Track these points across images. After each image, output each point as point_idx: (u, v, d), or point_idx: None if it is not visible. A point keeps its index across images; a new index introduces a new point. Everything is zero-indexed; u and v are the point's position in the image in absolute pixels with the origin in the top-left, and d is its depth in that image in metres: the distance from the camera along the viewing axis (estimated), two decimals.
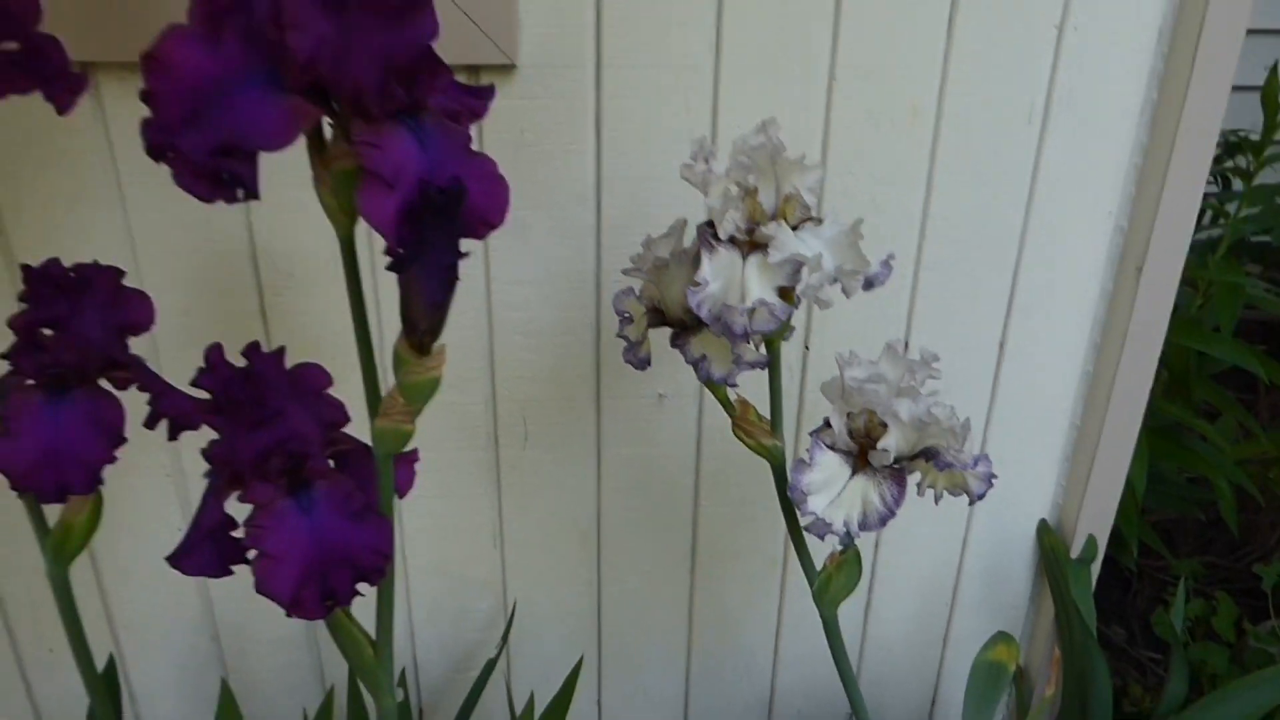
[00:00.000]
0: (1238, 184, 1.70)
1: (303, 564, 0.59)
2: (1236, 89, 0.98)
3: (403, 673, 1.18)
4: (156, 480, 1.06)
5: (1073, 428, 1.15)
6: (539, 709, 1.07)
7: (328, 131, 0.55)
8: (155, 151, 0.50)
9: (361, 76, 0.49)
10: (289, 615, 0.59)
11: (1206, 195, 1.93)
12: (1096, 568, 1.19)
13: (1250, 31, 0.95)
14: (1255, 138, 1.59)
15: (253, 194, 0.50)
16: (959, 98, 0.97)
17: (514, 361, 1.04)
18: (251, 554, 0.60)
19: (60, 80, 0.63)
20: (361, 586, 0.61)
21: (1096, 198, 1.04)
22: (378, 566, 0.61)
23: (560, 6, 0.89)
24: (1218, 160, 1.82)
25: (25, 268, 0.69)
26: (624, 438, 1.09)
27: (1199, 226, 1.95)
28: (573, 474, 1.11)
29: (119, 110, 0.90)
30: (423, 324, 0.53)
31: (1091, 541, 1.14)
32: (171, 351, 0.98)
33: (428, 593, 1.17)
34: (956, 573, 1.23)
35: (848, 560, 0.88)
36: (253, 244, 0.97)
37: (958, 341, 1.09)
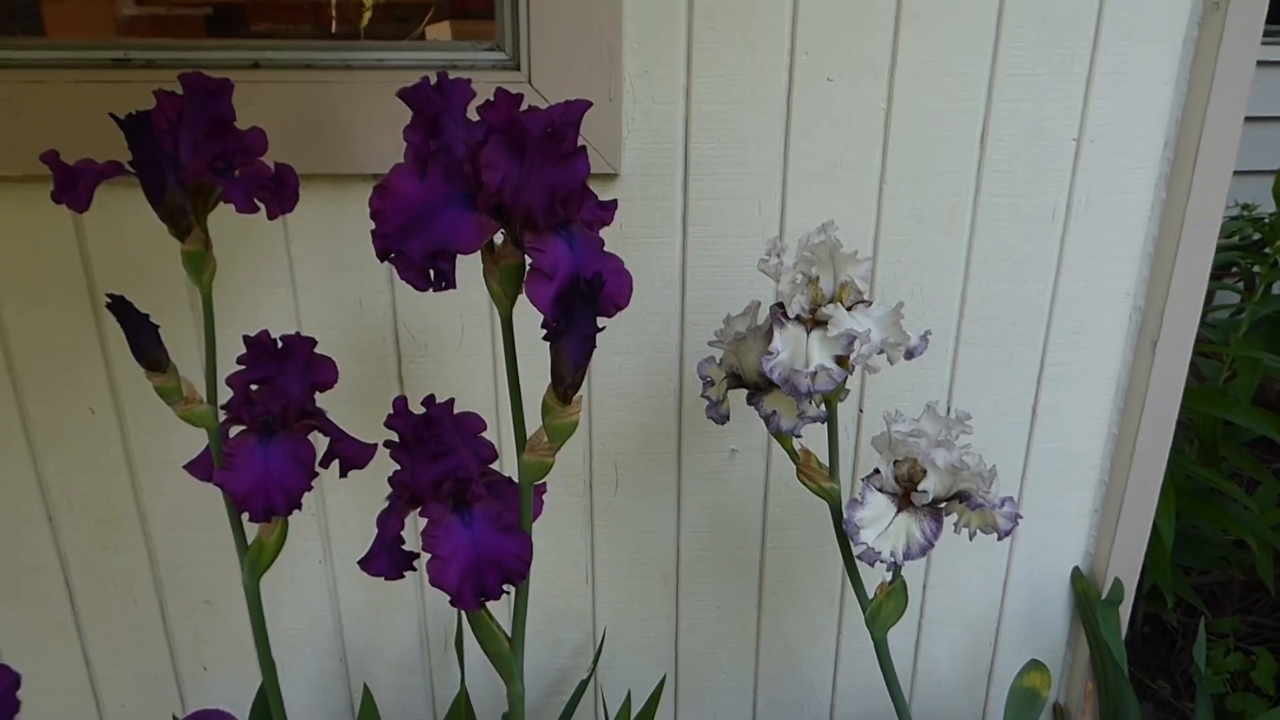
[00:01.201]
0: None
1: (464, 565, 0.77)
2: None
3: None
4: (304, 519, 1.25)
5: (1100, 483, 1.29)
6: None
7: (497, 238, 0.74)
8: (382, 254, 0.69)
9: (534, 202, 0.68)
10: (452, 605, 0.77)
11: (1229, 277, 2.08)
12: (1127, 611, 1.32)
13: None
14: None
15: (451, 285, 0.69)
16: (991, 198, 1.15)
17: (608, 419, 1.22)
18: (424, 558, 0.78)
19: (288, 197, 0.83)
20: (507, 587, 0.79)
21: (1115, 282, 1.20)
22: (521, 571, 0.79)
23: (655, 125, 1.09)
24: (1243, 249, 1.97)
25: (246, 338, 0.88)
26: (701, 487, 1.26)
27: (1229, 308, 2.09)
28: (656, 518, 1.28)
29: (298, 217, 1.12)
30: (568, 379, 0.72)
31: (1118, 585, 1.28)
32: (326, 403, 1.18)
33: (528, 623, 1.33)
34: (999, 615, 1.36)
35: (896, 590, 1.03)
36: (395, 320, 1.17)
37: (994, 407, 1.24)
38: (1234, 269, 2.17)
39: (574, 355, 0.71)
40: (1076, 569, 1.34)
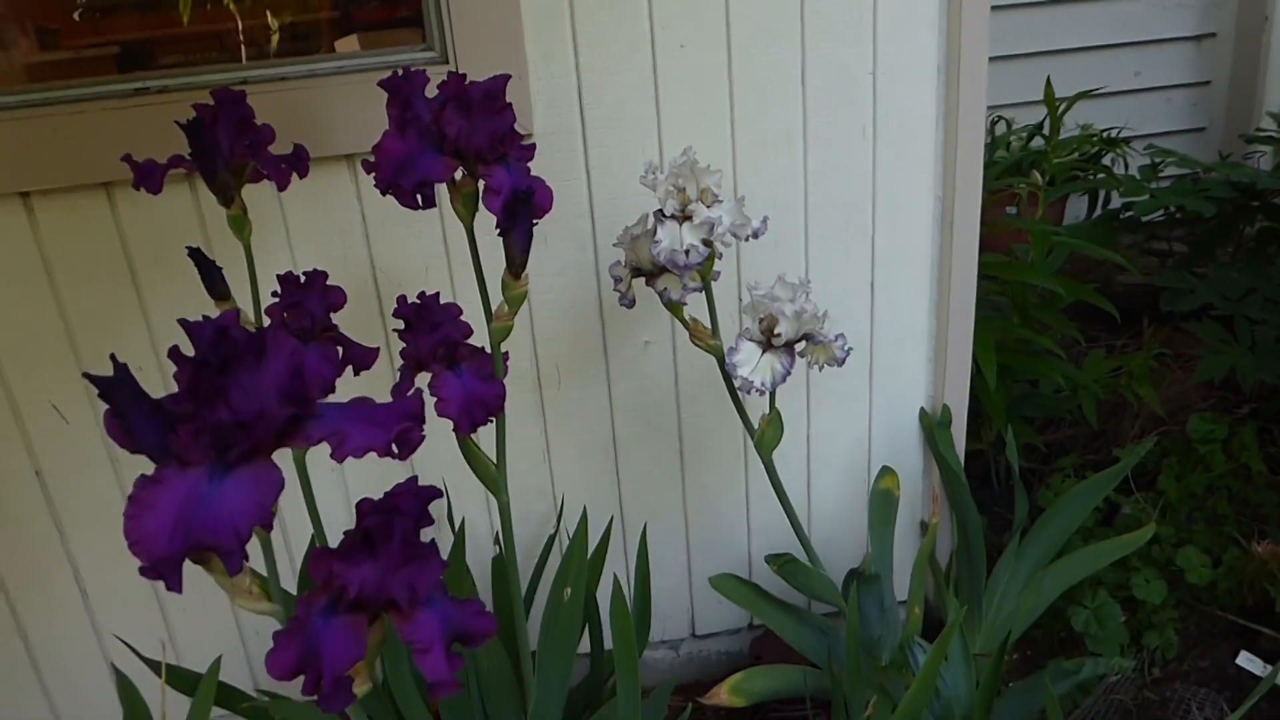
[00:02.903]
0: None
1: (460, 404, 1.11)
2: None
3: (499, 550, 1.68)
4: None
5: (929, 338, 1.68)
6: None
7: (458, 175, 1.08)
8: (383, 190, 1.03)
9: (480, 143, 1.03)
10: (455, 432, 1.11)
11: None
12: (961, 434, 1.71)
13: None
14: None
15: (433, 205, 1.03)
16: (815, 125, 1.52)
17: (547, 329, 1.57)
18: (432, 403, 1.12)
19: (303, 167, 1.17)
20: (491, 417, 1.13)
21: (919, 179, 1.58)
22: (498, 405, 1.14)
23: (556, 95, 1.44)
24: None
25: (279, 275, 1.21)
26: (625, 374, 1.62)
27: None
28: (593, 404, 1.64)
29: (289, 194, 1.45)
30: (518, 260, 1.07)
31: (946, 410, 1.68)
32: None
33: None
34: (868, 453, 1.75)
35: (773, 419, 1.40)
36: (373, 268, 1.51)
37: (841, 287, 1.62)
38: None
39: (519, 243, 1.06)
40: (922, 408, 1.73)
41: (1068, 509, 1.69)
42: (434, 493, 0.73)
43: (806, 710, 1.53)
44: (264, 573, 0.75)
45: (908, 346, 1.69)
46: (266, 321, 1.22)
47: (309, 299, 1.22)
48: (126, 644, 1.45)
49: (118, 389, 0.60)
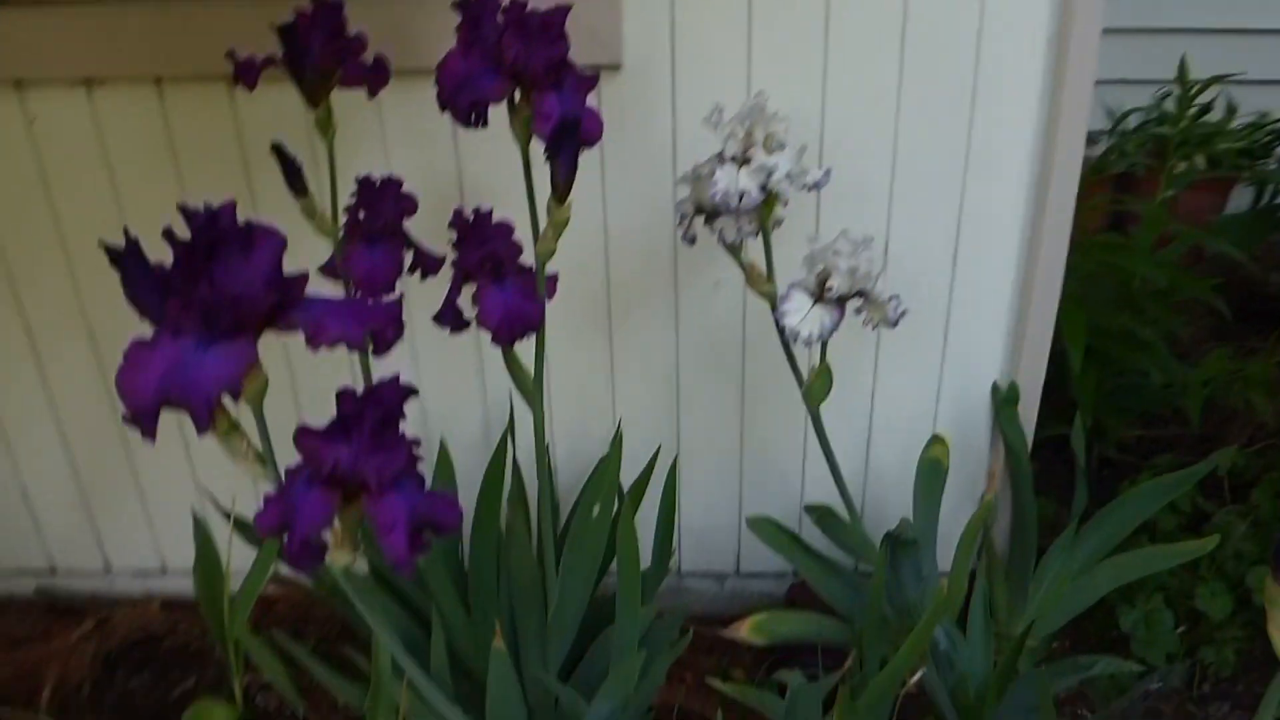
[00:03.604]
0: None
1: (500, 315, 1.18)
2: None
3: (548, 466, 1.75)
4: None
5: (1011, 312, 1.64)
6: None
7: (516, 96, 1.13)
8: (441, 106, 1.09)
9: (536, 69, 1.07)
10: (493, 342, 1.18)
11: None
12: (1031, 414, 1.68)
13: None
14: None
15: (485, 124, 1.09)
16: (911, 82, 1.49)
17: (621, 256, 1.62)
18: (472, 314, 1.19)
19: (382, 77, 1.24)
20: (528, 334, 1.19)
21: (1015, 146, 1.53)
22: (535, 323, 1.19)
23: (650, 28, 1.46)
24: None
25: (357, 177, 1.29)
26: (694, 311, 1.66)
27: None
28: (660, 336, 1.68)
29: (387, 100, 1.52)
30: (563, 186, 1.11)
31: (1013, 386, 1.64)
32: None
33: (564, 417, 1.75)
34: (934, 419, 1.74)
35: (822, 371, 1.41)
36: (460, 177, 1.58)
37: (922, 247, 1.60)
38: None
39: (565, 169, 1.11)
40: (994, 383, 1.70)
41: (1133, 504, 1.64)
42: (410, 390, 0.79)
43: (818, 658, 1.56)
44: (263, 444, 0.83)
45: (986, 317, 1.65)
46: (343, 220, 1.31)
47: (382, 202, 1.30)
48: (208, 493, 1.61)
49: (126, 259, 0.69)
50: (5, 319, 1.73)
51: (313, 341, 0.72)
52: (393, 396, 0.78)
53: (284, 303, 0.72)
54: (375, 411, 0.77)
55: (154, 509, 1.90)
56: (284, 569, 1.53)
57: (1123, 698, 1.65)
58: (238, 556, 1.52)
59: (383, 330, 0.74)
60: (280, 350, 1.70)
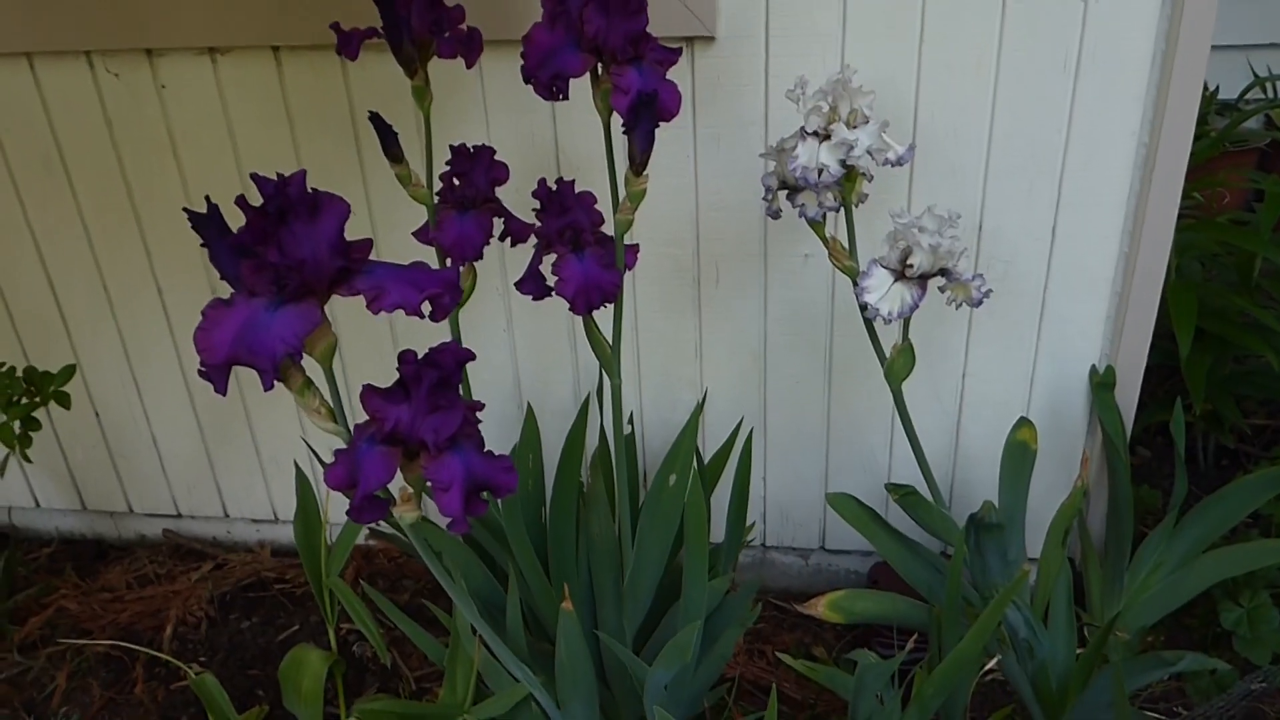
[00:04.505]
0: None
1: (577, 286, 1.20)
2: None
3: (631, 430, 1.79)
4: (493, 299, 1.73)
5: (1112, 294, 1.58)
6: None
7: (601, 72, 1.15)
8: (525, 79, 1.12)
9: (615, 43, 1.08)
10: (571, 311, 1.21)
11: None
12: (1131, 399, 1.61)
13: None
14: None
15: (565, 97, 1.11)
16: (1011, 52, 1.44)
17: (711, 228, 1.63)
18: (553, 283, 1.22)
19: (475, 49, 1.27)
20: (606, 303, 1.22)
21: (1121, 122, 1.47)
22: (613, 293, 1.22)
23: (744, 5, 1.46)
24: None
25: (451, 146, 1.34)
26: (782, 284, 1.65)
27: None
28: (748, 308, 1.68)
29: (489, 70, 1.56)
30: (638, 159, 1.13)
31: (1110, 370, 1.58)
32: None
33: (653, 387, 1.78)
34: (1027, 403, 1.69)
35: (905, 350, 1.40)
36: (556, 148, 1.61)
37: (1019, 227, 1.55)
38: None
39: (641, 143, 1.12)
40: (1093, 366, 1.64)
41: (1240, 495, 1.57)
42: (468, 354, 0.83)
43: (894, 639, 1.55)
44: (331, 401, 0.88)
45: (1085, 298, 1.59)
46: (439, 187, 1.36)
47: (475, 171, 1.34)
48: (309, 445, 1.70)
49: (206, 224, 0.74)
50: (140, 278, 1.85)
51: (373, 306, 0.76)
52: (449, 361, 0.82)
53: (348, 268, 0.76)
54: (432, 374, 0.80)
55: (267, 461, 2.01)
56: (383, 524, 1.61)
57: (1221, 696, 1.58)
58: (338, 510, 1.61)
59: (439, 296, 0.77)
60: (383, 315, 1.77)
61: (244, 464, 2.03)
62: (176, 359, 1.92)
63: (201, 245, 0.75)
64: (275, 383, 0.74)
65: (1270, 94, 2.49)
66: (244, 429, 1.99)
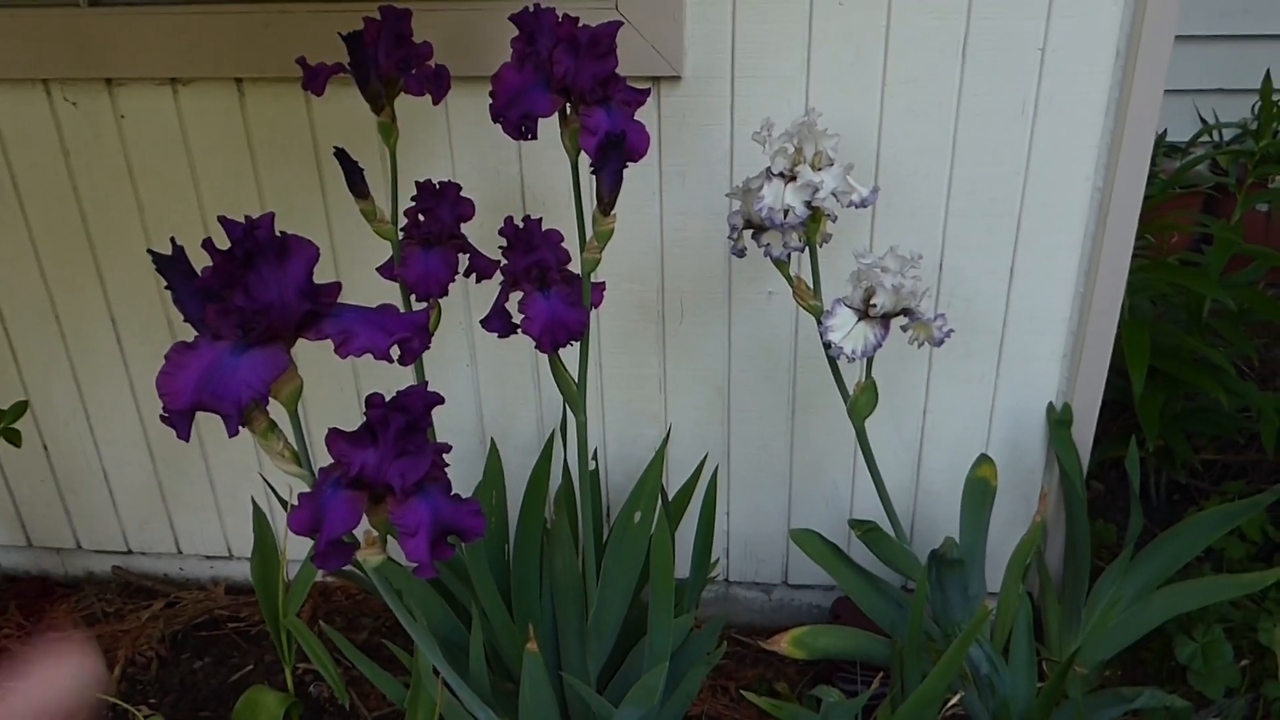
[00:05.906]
0: None
1: (543, 323, 1.20)
2: None
3: (595, 466, 1.78)
4: (457, 334, 1.72)
5: (1068, 333, 1.61)
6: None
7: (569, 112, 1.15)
8: (493, 118, 1.12)
9: (583, 84, 1.09)
10: (537, 349, 1.20)
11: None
12: (1087, 436, 1.64)
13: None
14: None
15: (534, 137, 1.11)
16: (971, 97, 1.47)
17: (675, 265, 1.63)
18: (519, 320, 1.22)
19: (443, 87, 1.27)
20: (571, 342, 1.22)
21: (1077, 167, 1.50)
22: (579, 331, 1.22)
23: (710, 42, 1.47)
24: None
25: (417, 182, 1.33)
26: (745, 320, 1.66)
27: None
28: (712, 344, 1.69)
29: (455, 106, 1.56)
30: (606, 199, 1.13)
31: (1067, 408, 1.61)
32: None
33: (617, 423, 1.77)
34: (986, 439, 1.71)
35: (868, 387, 1.41)
36: (522, 184, 1.61)
37: (979, 267, 1.58)
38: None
39: (609, 183, 1.13)
40: (1050, 403, 1.67)
41: (1195, 530, 1.59)
42: (436, 398, 0.82)
43: (857, 674, 1.55)
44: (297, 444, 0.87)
45: (1043, 337, 1.62)
46: (403, 223, 1.35)
47: (440, 207, 1.33)
48: (266, 481, 1.67)
49: (171, 266, 0.73)
50: (93, 308, 1.82)
51: (340, 350, 0.75)
52: (418, 405, 0.81)
53: (315, 312, 0.75)
54: (400, 419, 0.79)
55: (223, 495, 1.98)
56: None
57: None
58: (297, 547, 1.58)
59: (409, 341, 0.76)
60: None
61: (198, 499, 1.99)
62: (130, 392, 1.89)
63: (166, 287, 0.74)
64: (240, 428, 0.73)
65: (1218, 138, 2.56)
66: (199, 463, 1.95)
